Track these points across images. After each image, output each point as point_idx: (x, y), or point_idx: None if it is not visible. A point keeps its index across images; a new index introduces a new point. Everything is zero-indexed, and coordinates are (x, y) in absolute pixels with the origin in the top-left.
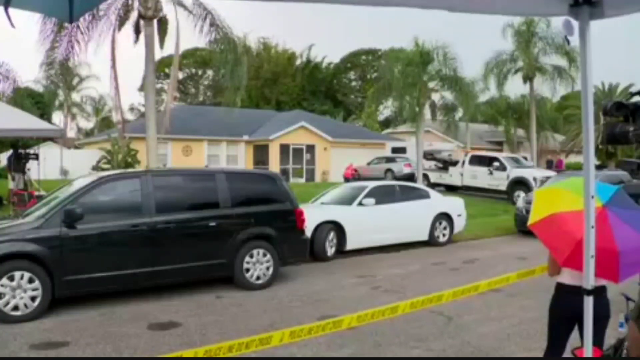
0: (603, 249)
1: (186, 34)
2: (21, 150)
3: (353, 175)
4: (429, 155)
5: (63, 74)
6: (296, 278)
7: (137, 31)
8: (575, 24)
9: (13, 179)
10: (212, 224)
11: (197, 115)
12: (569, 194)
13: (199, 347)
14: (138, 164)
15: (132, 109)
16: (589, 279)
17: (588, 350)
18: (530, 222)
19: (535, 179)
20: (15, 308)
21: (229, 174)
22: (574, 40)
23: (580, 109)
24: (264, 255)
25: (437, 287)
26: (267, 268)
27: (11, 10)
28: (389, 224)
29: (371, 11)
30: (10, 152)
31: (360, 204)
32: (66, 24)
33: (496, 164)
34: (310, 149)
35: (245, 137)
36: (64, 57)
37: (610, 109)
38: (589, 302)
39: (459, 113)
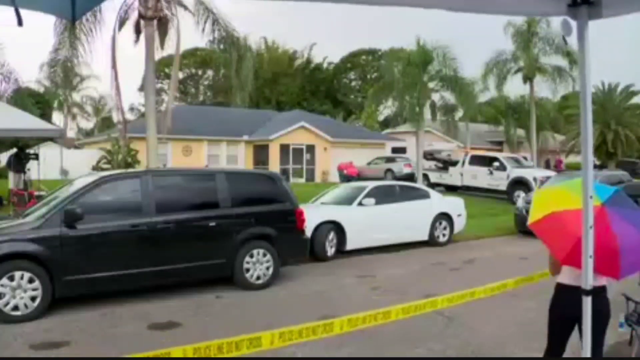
0: (603, 246)
1: (187, 34)
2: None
3: (357, 174)
4: (429, 155)
5: (65, 74)
6: (296, 278)
7: (138, 31)
8: (573, 24)
9: (7, 177)
10: (212, 224)
11: (197, 115)
12: (568, 194)
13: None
14: (138, 164)
15: (132, 109)
16: (587, 280)
17: (587, 350)
18: (530, 221)
19: (535, 179)
20: (16, 308)
21: (229, 174)
22: (572, 40)
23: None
24: (264, 255)
25: (437, 287)
26: (267, 268)
27: (12, 10)
28: (389, 224)
29: (371, 11)
30: (14, 150)
31: (360, 204)
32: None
33: (496, 164)
34: (310, 149)
35: (245, 137)
36: (67, 58)
37: None
38: (587, 303)
39: (459, 113)
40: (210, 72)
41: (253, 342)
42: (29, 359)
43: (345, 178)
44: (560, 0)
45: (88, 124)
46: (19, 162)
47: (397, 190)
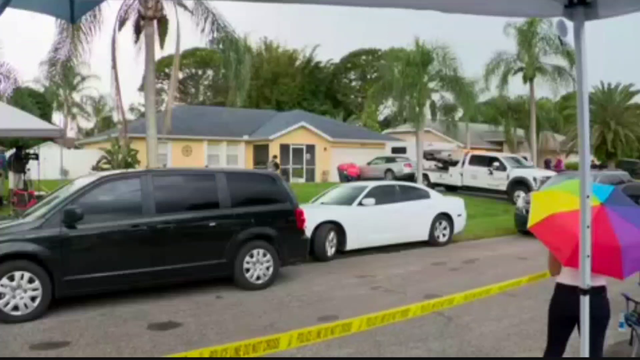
0: (605, 246)
1: (186, 34)
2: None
3: (358, 175)
4: (429, 155)
5: (65, 74)
6: (296, 278)
7: (138, 31)
8: (569, 24)
9: (7, 177)
10: (212, 224)
11: (197, 115)
12: (566, 195)
13: (200, 347)
14: (138, 164)
15: (132, 109)
16: (584, 279)
17: (585, 350)
18: (529, 224)
19: (535, 179)
20: (15, 308)
21: (229, 174)
22: (569, 40)
23: None
24: (264, 255)
25: (438, 287)
26: (267, 268)
27: (13, 10)
28: (389, 224)
29: (371, 11)
30: (13, 150)
31: (360, 204)
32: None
33: (496, 164)
34: (310, 149)
35: (245, 137)
36: (66, 57)
37: None
38: (585, 302)
39: (459, 113)
40: (210, 72)
41: (270, 343)
42: (29, 359)
43: (346, 178)
44: (557, 1)
45: (88, 124)
46: (19, 162)
47: (397, 190)
